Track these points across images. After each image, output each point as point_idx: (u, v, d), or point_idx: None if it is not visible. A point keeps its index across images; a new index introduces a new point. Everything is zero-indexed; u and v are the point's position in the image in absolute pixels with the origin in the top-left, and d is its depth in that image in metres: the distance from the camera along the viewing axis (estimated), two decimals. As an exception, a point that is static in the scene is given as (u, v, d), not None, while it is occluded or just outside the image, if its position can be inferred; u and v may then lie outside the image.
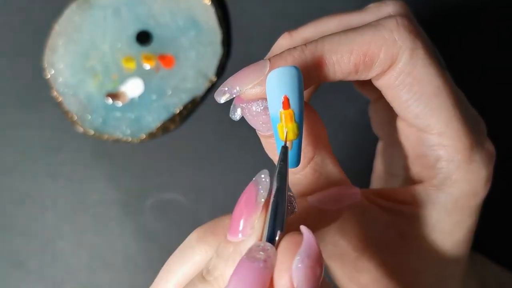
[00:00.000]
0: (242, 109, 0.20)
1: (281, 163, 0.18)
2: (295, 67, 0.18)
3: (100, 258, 0.39)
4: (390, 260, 0.24)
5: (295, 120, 0.18)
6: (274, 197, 0.17)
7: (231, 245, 0.18)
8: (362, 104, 0.38)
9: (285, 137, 0.19)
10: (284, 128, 0.19)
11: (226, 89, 0.20)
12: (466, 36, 0.38)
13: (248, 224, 0.17)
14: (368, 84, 0.31)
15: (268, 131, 0.20)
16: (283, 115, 0.18)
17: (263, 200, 0.17)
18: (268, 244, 0.16)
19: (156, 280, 0.21)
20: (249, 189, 0.18)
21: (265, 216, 0.17)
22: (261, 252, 0.16)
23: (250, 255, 0.16)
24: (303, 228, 0.16)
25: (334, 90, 0.38)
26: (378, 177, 0.34)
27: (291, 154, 0.19)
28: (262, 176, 0.18)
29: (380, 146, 0.34)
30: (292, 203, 0.19)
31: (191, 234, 0.21)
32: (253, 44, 0.39)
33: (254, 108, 0.20)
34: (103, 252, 0.39)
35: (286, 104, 0.18)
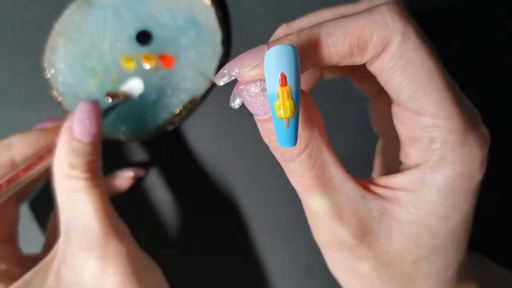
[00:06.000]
0: (241, 91, 0.21)
1: None
2: (292, 45, 0.19)
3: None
4: (388, 248, 0.24)
5: (292, 97, 0.19)
6: None
7: None
8: (362, 103, 0.38)
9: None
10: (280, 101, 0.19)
11: (226, 71, 0.20)
12: (459, 36, 0.38)
13: None
14: (366, 79, 0.32)
15: (266, 114, 0.21)
16: (280, 92, 0.18)
17: None
18: None
19: None
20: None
21: None
22: None
23: None
24: None
25: (334, 90, 0.38)
26: (378, 174, 0.34)
27: (287, 133, 0.19)
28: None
29: (379, 143, 0.34)
30: None
31: None
32: (253, 44, 0.39)
33: (252, 89, 0.20)
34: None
35: (283, 81, 0.18)
